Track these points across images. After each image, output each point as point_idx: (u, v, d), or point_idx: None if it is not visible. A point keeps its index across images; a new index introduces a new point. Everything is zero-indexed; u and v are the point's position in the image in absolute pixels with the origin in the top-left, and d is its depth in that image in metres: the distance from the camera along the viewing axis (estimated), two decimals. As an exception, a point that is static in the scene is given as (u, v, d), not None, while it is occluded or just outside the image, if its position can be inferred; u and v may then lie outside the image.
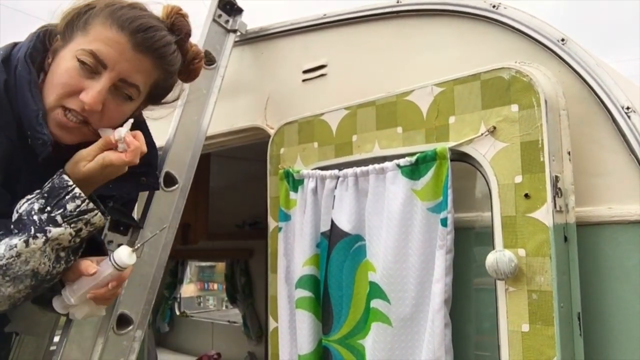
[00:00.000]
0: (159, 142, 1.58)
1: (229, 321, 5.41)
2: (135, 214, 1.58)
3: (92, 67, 1.19)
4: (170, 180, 1.62)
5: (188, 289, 8.48)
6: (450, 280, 1.39)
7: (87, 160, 1.17)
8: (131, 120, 1.23)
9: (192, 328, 5.52)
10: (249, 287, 4.88)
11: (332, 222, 1.65)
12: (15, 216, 1.14)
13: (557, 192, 1.27)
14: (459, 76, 1.44)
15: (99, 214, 1.16)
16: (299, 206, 1.77)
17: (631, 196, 1.29)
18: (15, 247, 1.09)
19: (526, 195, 1.29)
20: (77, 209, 1.13)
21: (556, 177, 1.27)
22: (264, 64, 2.12)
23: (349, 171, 1.62)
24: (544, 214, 1.26)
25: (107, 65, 1.20)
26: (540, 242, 1.26)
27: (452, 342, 1.39)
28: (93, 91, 1.18)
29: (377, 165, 1.55)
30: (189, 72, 1.40)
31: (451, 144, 1.42)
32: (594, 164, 1.35)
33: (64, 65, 1.21)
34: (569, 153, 1.31)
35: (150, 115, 1.45)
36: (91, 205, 1.14)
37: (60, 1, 1.29)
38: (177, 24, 1.30)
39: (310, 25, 1.97)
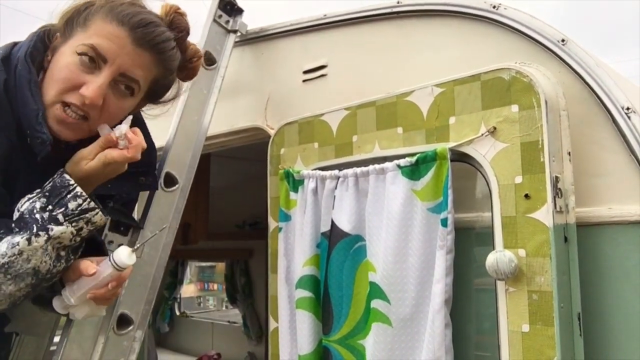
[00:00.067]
0: (159, 142, 1.59)
1: (229, 321, 5.41)
2: (136, 214, 1.58)
3: (93, 60, 1.19)
4: (171, 181, 1.62)
5: (188, 289, 8.48)
6: (451, 281, 1.39)
7: (89, 159, 1.18)
8: (130, 117, 1.24)
9: (192, 328, 5.52)
10: (249, 287, 4.88)
11: (332, 222, 1.65)
12: (16, 215, 1.14)
13: (557, 192, 1.27)
14: (459, 77, 1.44)
15: (100, 212, 1.16)
16: (299, 206, 1.77)
17: (631, 196, 1.29)
18: (18, 245, 1.09)
19: (526, 196, 1.29)
20: (79, 208, 1.13)
21: (556, 177, 1.27)
22: (264, 65, 2.12)
23: (349, 171, 1.62)
24: (544, 215, 1.26)
25: (108, 59, 1.20)
26: (540, 243, 1.26)
27: (453, 342, 1.39)
28: (94, 85, 1.19)
29: (377, 166, 1.55)
30: (187, 71, 1.42)
31: (451, 144, 1.43)
32: (594, 164, 1.35)
33: (64, 60, 1.21)
34: (569, 153, 1.31)
35: (150, 112, 1.45)
36: (92, 204, 1.15)
37: (60, 1, 1.30)
38: (175, 22, 1.32)
39: (310, 26, 1.97)
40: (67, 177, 1.15)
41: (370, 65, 1.79)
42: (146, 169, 1.45)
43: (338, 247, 1.63)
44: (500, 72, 1.36)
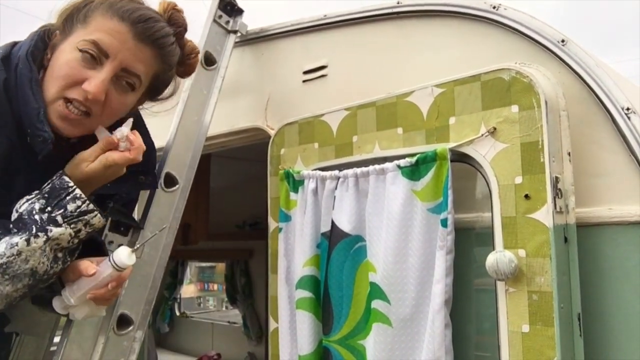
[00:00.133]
0: (159, 142, 1.59)
1: (229, 322, 5.40)
2: (136, 214, 1.58)
3: (95, 56, 1.20)
4: (171, 181, 1.62)
5: (188, 290, 8.48)
6: (451, 281, 1.39)
7: (89, 160, 1.19)
8: (131, 120, 1.24)
9: (192, 328, 5.51)
10: (249, 288, 4.88)
11: (333, 222, 1.65)
12: (15, 215, 1.14)
13: (557, 192, 1.27)
14: (459, 77, 1.44)
15: (99, 215, 1.17)
16: (300, 207, 1.77)
17: (631, 197, 1.29)
18: (17, 245, 1.10)
19: (526, 196, 1.29)
20: (78, 210, 1.14)
21: (556, 177, 1.27)
22: (264, 65, 2.12)
23: (350, 172, 1.62)
24: (544, 215, 1.26)
25: (110, 54, 1.21)
26: (540, 243, 1.26)
27: (452, 342, 1.39)
28: (96, 80, 1.19)
29: (377, 166, 1.56)
30: (185, 67, 1.43)
31: (451, 144, 1.43)
32: (594, 164, 1.35)
33: (65, 57, 1.22)
34: (569, 154, 1.31)
35: (150, 109, 1.46)
36: (91, 206, 1.16)
37: (59, 0, 1.30)
38: (174, 18, 1.34)
39: (310, 26, 1.97)
40: (67, 179, 1.16)
41: (371, 66, 1.79)
42: (145, 168, 1.45)
43: (338, 248, 1.63)
44: (500, 73, 1.36)
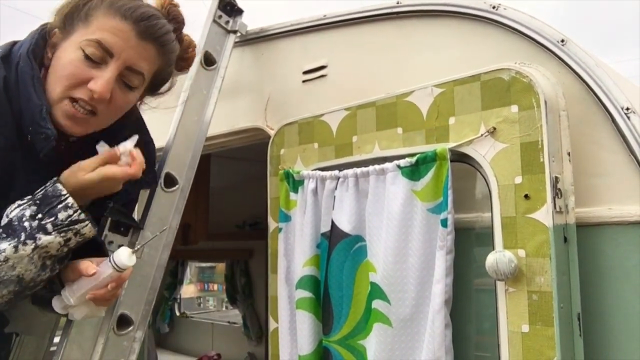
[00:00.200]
0: (159, 142, 1.59)
1: (229, 322, 5.40)
2: (136, 214, 1.58)
3: (99, 56, 1.20)
4: (171, 181, 1.62)
5: (188, 290, 8.48)
6: (451, 281, 1.39)
7: (87, 170, 1.17)
8: (136, 136, 1.24)
9: (192, 329, 5.51)
10: (249, 288, 4.88)
11: (333, 222, 1.65)
12: (5, 220, 1.13)
13: (557, 192, 1.27)
14: (459, 77, 1.44)
15: (89, 225, 1.16)
16: (299, 207, 1.77)
17: (631, 197, 1.29)
18: (4, 252, 1.08)
19: (526, 196, 1.29)
20: (69, 219, 1.13)
21: (556, 177, 1.27)
22: (264, 65, 2.12)
23: (349, 172, 1.62)
24: (544, 215, 1.26)
25: (114, 53, 1.22)
26: (540, 243, 1.26)
27: (452, 342, 1.39)
28: (102, 80, 1.20)
29: (377, 166, 1.56)
30: (184, 61, 1.45)
31: (451, 144, 1.43)
32: (593, 164, 1.35)
33: (68, 56, 1.22)
34: (568, 154, 1.31)
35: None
36: (83, 215, 1.14)
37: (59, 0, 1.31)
38: (172, 13, 1.35)
39: (310, 26, 1.97)
40: (60, 186, 1.14)
41: (370, 66, 1.79)
42: (145, 166, 1.45)
43: (338, 248, 1.63)
44: (500, 73, 1.36)
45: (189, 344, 5.35)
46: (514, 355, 1.28)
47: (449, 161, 1.41)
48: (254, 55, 2.15)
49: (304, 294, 1.71)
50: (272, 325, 1.86)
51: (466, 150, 1.41)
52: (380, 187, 1.55)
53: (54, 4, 1.31)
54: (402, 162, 1.49)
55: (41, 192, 1.15)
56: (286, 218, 1.82)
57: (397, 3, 1.71)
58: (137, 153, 1.22)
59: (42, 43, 1.29)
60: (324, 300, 1.66)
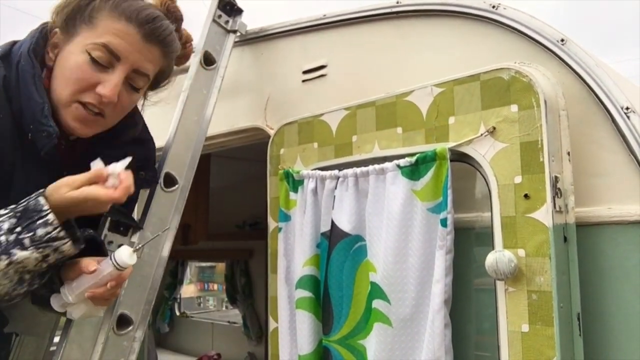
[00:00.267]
0: (159, 142, 1.59)
1: (229, 322, 5.40)
2: (136, 214, 1.58)
3: (106, 60, 1.21)
4: (170, 181, 1.62)
5: (188, 290, 8.49)
6: (450, 281, 1.39)
7: (72, 187, 1.10)
8: (129, 158, 1.18)
9: (192, 328, 5.51)
10: (249, 288, 4.88)
11: (332, 222, 1.65)
12: None
13: (557, 192, 1.27)
14: (459, 77, 1.44)
15: (69, 243, 1.10)
16: (299, 206, 1.77)
17: (631, 196, 1.29)
18: None
19: (526, 196, 1.29)
20: (47, 236, 1.07)
21: (556, 177, 1.27)
22: (263, 65, 2.12)
23: (349, 171, 1.62)
24: (544, 215, 1.26)
25: (121, 57, 1.23)
26: (539, 243, 1.26)
27: (452, 342, 1.39)
28: (110, 84, 1.21)
29: (377, 166, 1.55)
30: (182, 57, 1.48)
31: (451, 144, 1.43)
32: (593, 164, 1.35)
33: (74, 60, 1.23)
34: (568, 153, 1.31)
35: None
36: (62, 233, 1.09)
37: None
38: (171, 10, 1.36)
39: (310, 26, 1.97)
40: (42, 201, 1.08)
41: (370, 65, 1.79)
42: (144, 164, 1.46)
43: (338, 247, 1.63)
44: (499, 72, 1.36)
45: (189, 343, 5.35)
46: (514, 355, 1.28)
47: (449, 161, 1.41)
48: (253, 55, 2.15)
49: (304, 293, 1.71)
50: (272, 325, 1.86)
51: (466, 149, 1.41)
52: (380, 187, 1.55)
53: (53, 4, 1.31)
54: (402, 162, 1.49)
55: (23, 205, 1.10)
56: (286, 218, 1.82)
57: (397, 3, 1.71)
58: (126, 176, 1.14)
59: (43, 42, 1.29)
60: (324, 300, 1.66)
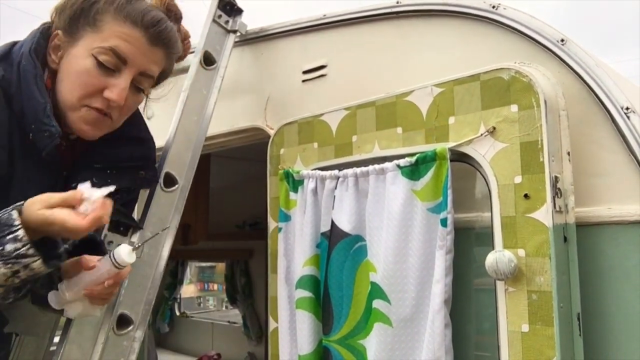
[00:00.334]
0: (159, 142, 1.59)
1: (229, 322, 5.40)
2: (136, 214, 1.58)
3: (113, 63, 1.22)
4: (170, 181, 1.62)
5: (188, 290, 8.49)
6: (450, 281, 1.39)
7: (44, 205, 1.04)
8: (112, 187, 1.10)
9: (192, 328, 5.51)
10: (249, 288, 4.88)
11: (332, 222, 1.65)
12: None
13: (557, 192, 1.27)
14: (459, 77, 1.44)
15: (40, 261, 1.05)
16: (299, 206, 1.77)
17: (631, 196, 1.29)
18: None
19: (526, 196, 1.29)
20: (16, 252, 1.02)
21: (556, 177, 1.27)
22: (263, 65, 2.12)
23: (349, 171, 1.62)
24: (544, 215, 1.26)
25: (128, 61, 1.24)
26: (539, 243, 1.26)
27: (452, 342, 1.39)
28: (118, 88, 1.23)
29: (377, 166, 1.55)
30: (182, 52, 1.47)
31: (451, 144, 1.43)
32: (593, 164, 1.35)
33: (81, 63, 1.23)
34: (568, 153, 1.31)
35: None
36: (31, 251, 1.03)
37: (58, -1, 1.31)
38: (171, 9, 1.36)
39: (310, 26, 1.97)
40: (15, 215, 1.03)
41: (370, 65, 1.79)
42: (144, 163, 1.46)
43: (338, 247, 1.63)
44: (499, 72, 1.36)
45: (189, 343, 5.35)
46: (514, 355, 1.28)
47: (449, 161, 1.41)
48: (253, 55, 2.15)
49: (304, 293, 1.71)
50: (272, 325, 1.86)
51: (466, 149, 1.41)
52: (380, 187, 1.55)
53: (53, 4, 1.31)
54: (402, 162, 1.49)
55: None
56: (286, 218, 1.82)
57: (397, 3, 1.71)
58: (101, 205, 1.06)
59: (44, 42, 1.29)
60: (324, 300, 1.66)
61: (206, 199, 4.14)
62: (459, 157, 1.43)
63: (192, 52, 1.85)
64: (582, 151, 1.35)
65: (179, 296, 5.72)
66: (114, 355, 1.45)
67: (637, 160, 1.28)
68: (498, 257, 1.29)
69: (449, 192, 1.40)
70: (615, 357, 1.28)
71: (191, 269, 7.76)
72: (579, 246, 1.30)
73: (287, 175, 1.82)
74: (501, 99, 1.35)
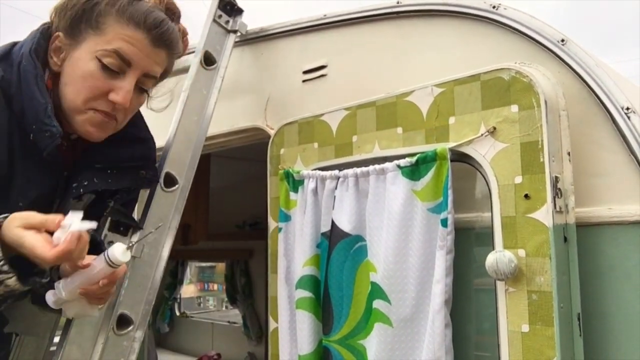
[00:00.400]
0: (159, 142, 1.59)
1: (229, 322, 5.40)
2: (136, 214, 1.58)
3: (117, 66, 1.23)
4: (170, 181, 1.62)
5: (188, 290, 8.49)
6: (451, 281, 1.39)
7: (22, 224, 1.01)
8: (95, 223, 1.06)
9: (192, 328, 5.51)
10: (249, 288, 4.88)
11: (333, 222, 1.65)
12: None
13: (557, 192, 1.27)
14: (459, 77, 1.44)
15: (14, 278, 1.04)
16: (299, 206, 1.77)
17: (631, 196, 1.29)
18: None
19: (526, 196, 1.29)
20: None
21: (556, 177, 1.27)
22: (264, 65, 2.12)
23: (349, 172, 1.62)
24: (544, 215, 1.26)
25: (132, 62, 1.24)
26: (540, 243, 1.26)
27: (453, 342, 1.39)
28: (123, 91, 1.23)
29: (377, 166, 1.55)
30: (182, 52, 1.48)
31: (451, 144, 1.43)
32: (593, 164, 1.35)
33: (85, 67, 1.23)
34: (568, 153, 1.31)
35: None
36: (5, 267, 1.01)
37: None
38: (170, 7, 1.37)
39: (310, 26, 1.97)
40: None
41: (370, 65, 1.79)
42: (144, 163, 1.46)
43: (338, 247, 1.63)
44: (500, 72, 1.36)
45: (189, 343, 5.35)
46: (514, 355, 1.28)
47: (449, 161, 1.41)
48: (253, 55, 2.15)
49: (304, 293, 1.71)
50: (272, 325, 1.86)
51: (466, 150, 1.41)
52: (381, 187, 1.55)
53: (52, 4, 1.31)
54: (402, 162, 1.49)
55: None
56: (286, 218, 1.82)
57: (397, 3, 1.71)
58: (73, 239, 1.00)
59: (44, 43, 1.29)
60: (324, 300, 1.66)
61: (206, 199, 4.14)
62: (460, 157, 1.43)
63: (192, 52, 1.85)
64: (583, 151, 1.35)
65: (179, 296, 5.72)
66: (114, 355, 1.45)
67: (637, 160, 1.28)
68: (498, 257, 1.29)
69: (450, 192, 1.40)
70: (616, 357, 1.28)
71: (191, 269, 7.75)
72: (579, 246, 1.29)
73: (287, 175, 1.82)
74: (501, 99, 1.35)
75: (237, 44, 2.07)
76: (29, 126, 1.20)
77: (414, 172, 1.47)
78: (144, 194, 1.58)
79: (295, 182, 1.80)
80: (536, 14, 1.48)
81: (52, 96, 1.26)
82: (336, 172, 1.66)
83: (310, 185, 1.73)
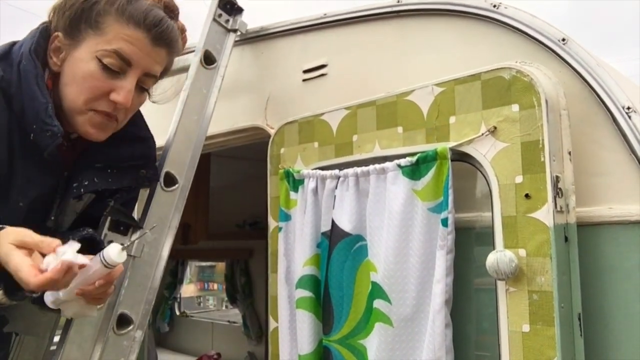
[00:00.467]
0: (159, 142, 1.59)
1: (229, 321, 5.40)
2: (136, 214, 1.58)
3: (118, 66, 1.22)
4: (170, 180, 1.62)
5: (188, 289, 8.49)
6: (451, 281, 1.39)
7: (16, 241, 0.99)
8: (87, 260, 1.04)
9: (192, 328, 5.51)
10: (249, 287, 4.88)
11: (333, 222, 1.65)
12: None
13: (558, 192, 1.27)
14: (460, 76, 1.44)
15: (0, 292, 1.04)
16: (300, 206, 1.77)
17: (631, 196, 1.28)
18: None
19: (527, 196, 1.29)
20: None
21: (557, 177, 1.27)
22: (264, 64, 2.11)
23: (350, 171, 1.62)
24: (545, 214, 1.25)
25: (132, 62, 1.24)
26: (540, 242, 1.26)
27: (453, 342, 1.39)
28: (124, 91, 1.23)
29: (377, 166, 1.55)
30: (181, 50, 1.47)
31: (452, 144, 1.42)
32: (594, 164, 1.35)
33: (85, 67, 1.23)
34: (569, 153, 1.31)
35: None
36: None
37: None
38: (168, 5, 1.36)
39: (310, 25, 1.96)
40: None
41: (371, 65, 1.79)
42: (145, 162, 1.46)
43: (339, 247, 1.63)
44: (500, 72, 1.36)
45: (189, 343, 5.35)
46: (515, 355, 1.28)
47: (450, 160, 1.41)
48: (254, 54, 2.15)
49: (304, 293, 1.71)
50: (272, 324, 1.86)
51: (467, 149, 1.40)
52: (381, 187, 1.54)
53: (51, 4, 1.31)
54: (403, 162, 1.49)
55: None
56: (286, 217, 1.82)
57: (397, 2, 1.71)
58: (62, 269, 0.97)
59: (44, 43, 1.29)
60: (324, 300, 1.66)
61: (206, 198, 4.14)
62: (460, 157, 1.43)
63: (192, 51, 1.85)
64: (583, 151, 1.35)
65: (179, 296, 5.72)
66: (114, 355, 1.45)
67: (638, 159, 1.27)
68: (499, 257, 1.29)
69: (450, 191, 1.40)
70: (616, 357, 1.28)
71: (191, 268, 7.75)
72: (580, 246, 1.29)
73: (288, 175, 1.81)
74: (502, 99, 1.35)
75: (237, 43, 2.07)
76: (30, 126, 1.20)
77: (414, 171, 1.47)
78: (144, 193, 1.58)
79: (295, 182, 1.79)
80: (537, 13, 1.48)
81: (52, 96, 1.25)
82: (336, 171, 1.66)
83: (310, 184, 1.73)
